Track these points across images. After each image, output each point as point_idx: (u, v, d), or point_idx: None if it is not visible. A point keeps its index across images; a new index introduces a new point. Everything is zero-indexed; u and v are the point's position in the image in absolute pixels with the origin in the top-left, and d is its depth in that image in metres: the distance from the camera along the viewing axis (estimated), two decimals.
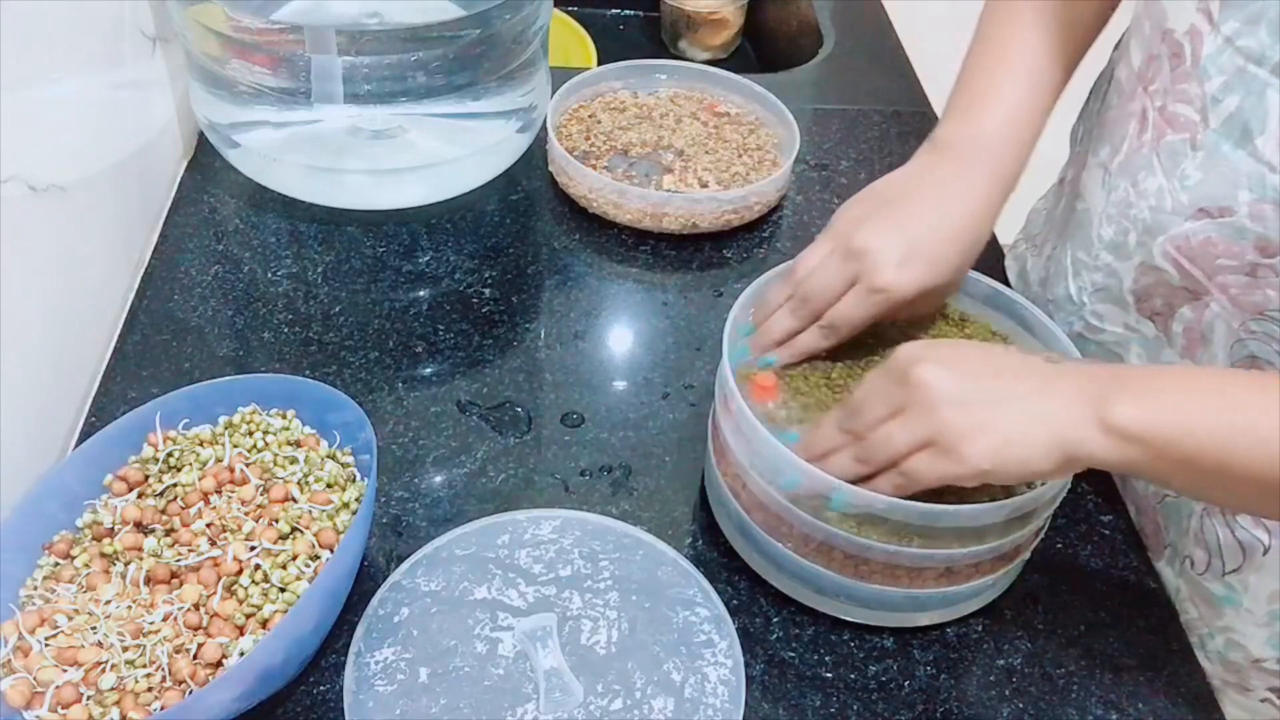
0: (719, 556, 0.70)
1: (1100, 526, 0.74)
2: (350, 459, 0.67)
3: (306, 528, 0.62)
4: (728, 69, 1.03)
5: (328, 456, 0.66)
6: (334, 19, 0.91)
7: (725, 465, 0.67)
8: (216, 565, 0.60)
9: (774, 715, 0.63)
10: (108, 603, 0.59)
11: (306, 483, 0.64)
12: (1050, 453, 0.54)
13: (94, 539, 0.62)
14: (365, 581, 0.65)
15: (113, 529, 0.62)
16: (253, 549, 0.60)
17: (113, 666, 0.56)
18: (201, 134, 0.96)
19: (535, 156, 0.98)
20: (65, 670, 0.56)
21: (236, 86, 0.85)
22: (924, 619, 0.67)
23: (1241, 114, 0.58)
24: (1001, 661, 0.67)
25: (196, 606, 0.58)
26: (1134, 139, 0.65)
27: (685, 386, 0.81)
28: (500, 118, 0.92)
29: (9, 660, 0.57)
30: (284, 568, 0.60)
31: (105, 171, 0.80)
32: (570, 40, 1.29)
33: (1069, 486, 0.64)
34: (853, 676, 0.65)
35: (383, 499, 0.72)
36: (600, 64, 1.09)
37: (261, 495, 0.64)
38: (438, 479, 0.73)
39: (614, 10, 1.43)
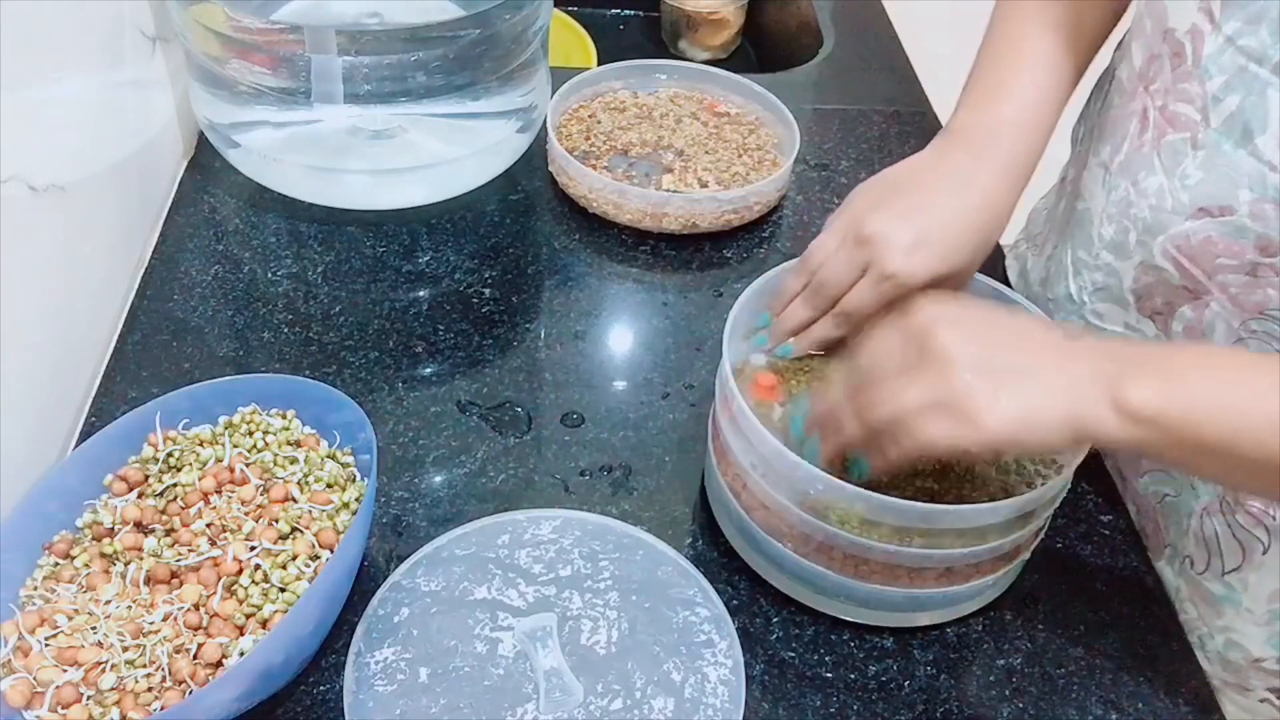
0: (719, 556, 0.70)
1: (1100, 526, 0.74)
2: (350, 459, 0.67)
3: (306, 528, 0.62)
4: (728, 69, 1.03)
5: (328, 456, 0.66)
6: (334, 19, 0.91)
7: (725, 465, 0.67)
8: (216, 565, 0.60)
9: (774, 715, 0.63)
10: (108, 603, 0.59)
11: (306, 483, 0.64)
12: (1064, 429, 0.53)
13: (94, 539, 0.62)
14: (365, 581, 0.65)
15: (113, 529, 0.62)
16: (253, 549, 0.60)
17: (113, 666, 0.56)
18: (201, 134, 0.96)
19: (535, 156, 0.98)
20: (65, 670, 0.56)
21: (236, 86, 0.85)
22: (924, 619, 0.67)
23: (1242, 113, 0.58)
24: (1001, 661, 0.67)
25: (196, 606, 0.58)
26: (1135, 138, 0.65)
27: (685, 386, 0.81)
28: (500, 118, 0.92)
29: (9, 660, 0.57)
30: (284, 568, 0.60)
31: (105, 171, 0.80)
32: (570, 40, 1.29)
33: (1069, 486, 0.64)
34: (853, 676, 0.65)
35: (383, 499, 0.72)
36: (600, 64, 1.09)
37: (261, 495, 0.64)
38: (438, 479, 0.73)
39: (614, 10, 1.43)
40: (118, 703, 0.55)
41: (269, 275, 0.87)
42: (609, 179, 0.91)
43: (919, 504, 0.60)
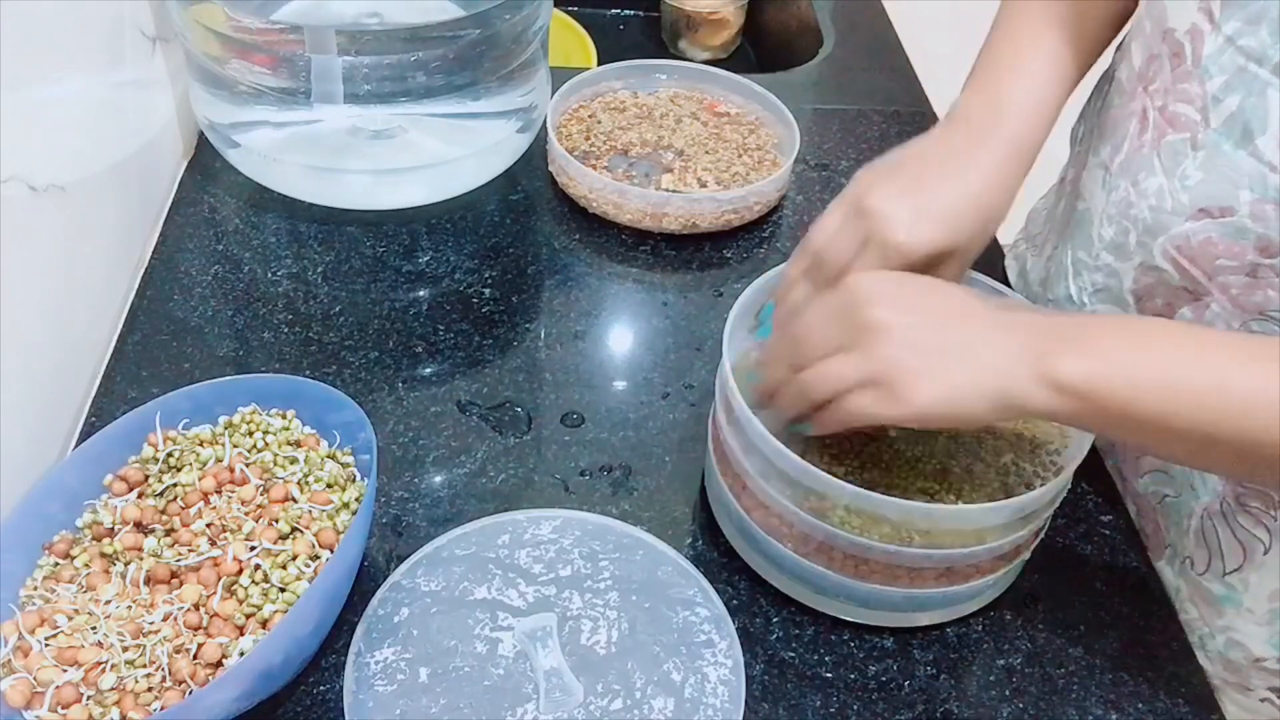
0: (719, 556, 0.70)
1: (1100, 526, 0.74)
2: (350, 459, 0.67)
3: (306, 528, 0.62)
4: (728, 69, 1.03)
5: (328, 456, 0.66)
6: (334, 19, 0.91)
7: (725, 465, 0.67)
8: (216, 565, 0.60)
9: (774, 715, 0.63)
10: (108, 603, 0.59)
11: (306, 483, 0.64)
12: (991, 402, 0.55)
13: (94, 539, 0.62)
14: (365, 581, 0.65)
15: (113, 529, 0.62)
16: (253, 549, 0.60)
17: (113, 666, 0.56)
18: (201, 134, 0.96)
19: (535, 156, 0.98)
20: (65, 670, 0.56)
21: (236, 86, 0.85)
22: (924, 619, 0.67)
23: (1242, 114, 0.57)
24: (1001, 661, 0.67)
25: (196, 606, 0.58)
26: (1134, 139, 0.65)
27: (685, 386, 0.81)
28: (500, 118, 0.92)
29: (9, 660, 0.57)
30: (284, 568, 0.60)
31: (105, 171, 0.80)
32: (570, 40, 1.29)
33: (1069, 486, 0.64)
34: (853, 676, 0.65)
35: (383, 499, 0.72)
36: (600, 64, 1.09)
37: (261, 495, 0.64)
38: (438, 479, 0.73)
39: (614, 10, 1.43)
40: (118, 703, 0.55)
41: (269, 275, 0.87)
42: (609, 179, 0.91)
43: (919, 504, 0.60)
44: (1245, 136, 0.58)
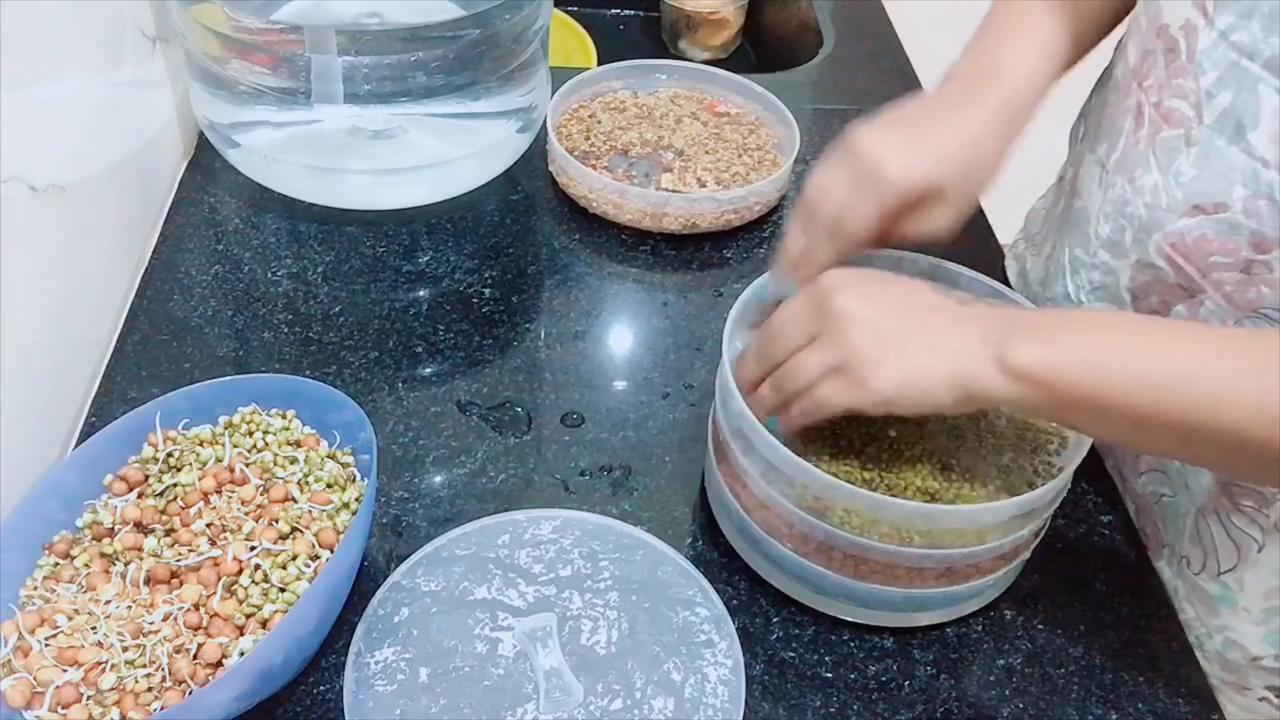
0: (719, 556, 0.70)
1: (1100, 526, 0.74)
2: (350, 459, 0.67)
3: (306, 528, 0.62)
4: (728, 69, 1.03)
5: (328, 456, 0.66)
6: (334, 19, 0.91)
7: (725, 465, 0.67)
8: (216, 565, 0.60)
9: (774, 715, 0.63)
10: (108, 603, 0.59)
11: (306, 483, 0.64)
12: (951, 388, 0.56)
13: (94, 539, 0.62)
14: (365, 581, 0.65)
15: (113, 529, 0.62)
16: (253, 549, 0.60)
17: (113, 666, 0.56)
18: (201, 134, 0.96)
19: (535, 156, 0.98)
20: (65, 670, 0.56)
21: (236, 86, 0.85)
22: (924, 619, 0.67)
23: (1235, 109, 0.58)
24: (1001, 661, 0.67)
25: (196, 606, 0.58)
26: (1130, 135, 0.65)
27: (685, 386, 0.81)
28: (500, 118, 0.92)
29: (9, 660, 0.57)
30: (284, 568, 0.60)
31: (105, 171, 0.80)
32: (570, 40, 1.29)
33: (1069, 486, 0.64)
34: (853, 676, 0.65)
35: (383, 499, 0.72)
36: (600, 64, 1.09)
37: (261, 495, 0.64)
38: (438, 479, 0.73)
39: (614, 10, 1.43)
40: (118, 703, 0.55)
41: (269, 275, 0.87)
42: (609, 179, 0.91)
43: (919, 504, 0.60)
44: (1238, 132, 0.58)
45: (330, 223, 0.92)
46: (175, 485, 0.63)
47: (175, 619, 0.58)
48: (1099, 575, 0.71)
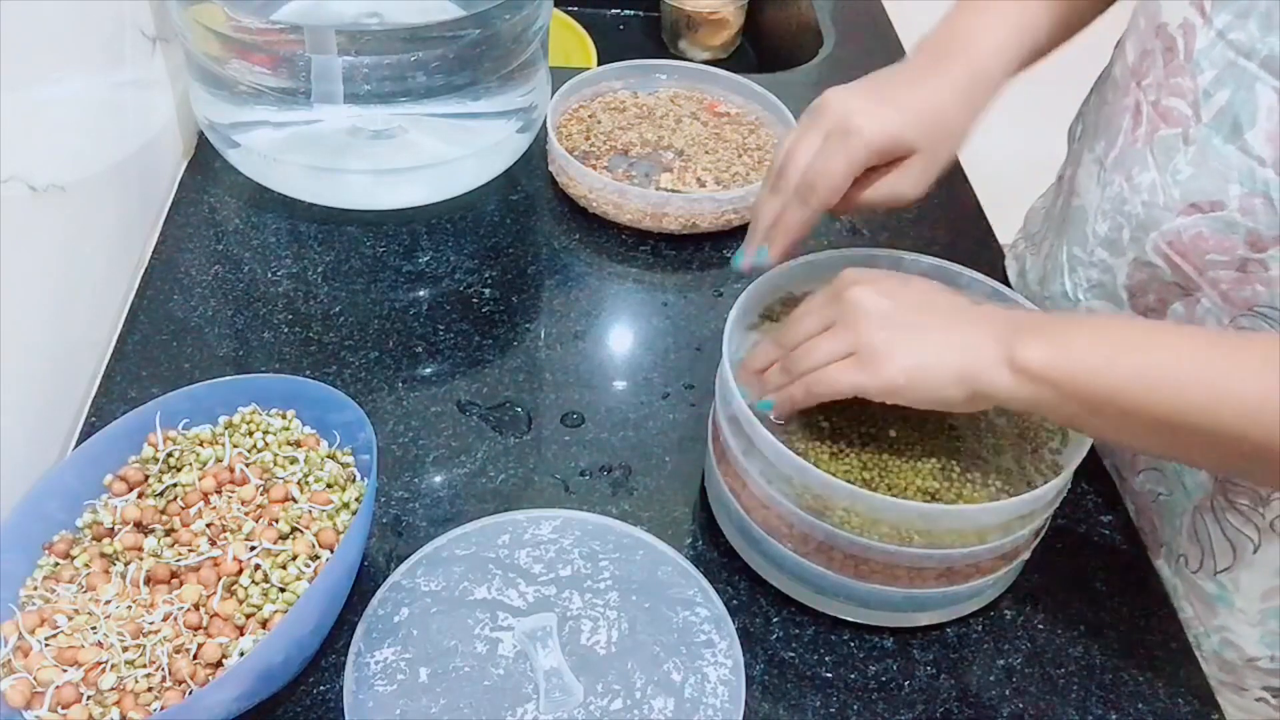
0: (719, 556, 0.70)
1: (1100, 526, 0.74)
2: (350, 459, 0.67)
3: (306, 528, 0.62)
4: (728, 69, 1.03)
5: (328, 456, 0.66)
6: (334, 19, 0.91)
7: (725, 465, 0.67)
8: (216, 565, 0.60)
9: (774, 715, 0.63)
10: (108, 603, 0.59)
11: (306, 483, 0.64)
12: (959, 383, 0.57)
13: (94, 539, 0.62)
14: (365, 581, 0.65)
15: (113, 529, 0.62)
16: (253, 549, 0.60)
17: (113, 666, 0.56)
18: (201, 134, 0.96)
19: (535, 156, 0.98)
20: (65, 670, 0.56)
21: (236, 86, 0.85)
22: (924, 619, 0.67)
23: (1232, 108, 0.58)
24: (1001, 661, 0.67)
25: (196, 606, 0.58)
26: (1128, 133, 0.65)
27: (685, 386, 0.81)
28: (500, 118, 0.92)
29: (9, 660, 0.57)
30: (284, 568, 0.60)
31: (105, 171, 0.80)
32: (570, 40, 1.29)
33: (1069, 486, 0.64)
34: (853, 676, 0.65)
35: (383, 499, 0.72)
36: (600, 64, 1.09)
37: (261, 495, 0.64)
38: (438, 479, 0.73)
39: (614, 10, 1.43)
40: (118, 703, 0.55)
41: (269, 275, 0.87)
42: (609, 179, 0.91)
43: (919, 504, 0.60)
44: (1234, 131, 0.58)
45: (330, 223, 0.92)
46: (175, 485, 0.64)
47: (175, 619, 0.58)
48: (1099, 575, 0.71)
